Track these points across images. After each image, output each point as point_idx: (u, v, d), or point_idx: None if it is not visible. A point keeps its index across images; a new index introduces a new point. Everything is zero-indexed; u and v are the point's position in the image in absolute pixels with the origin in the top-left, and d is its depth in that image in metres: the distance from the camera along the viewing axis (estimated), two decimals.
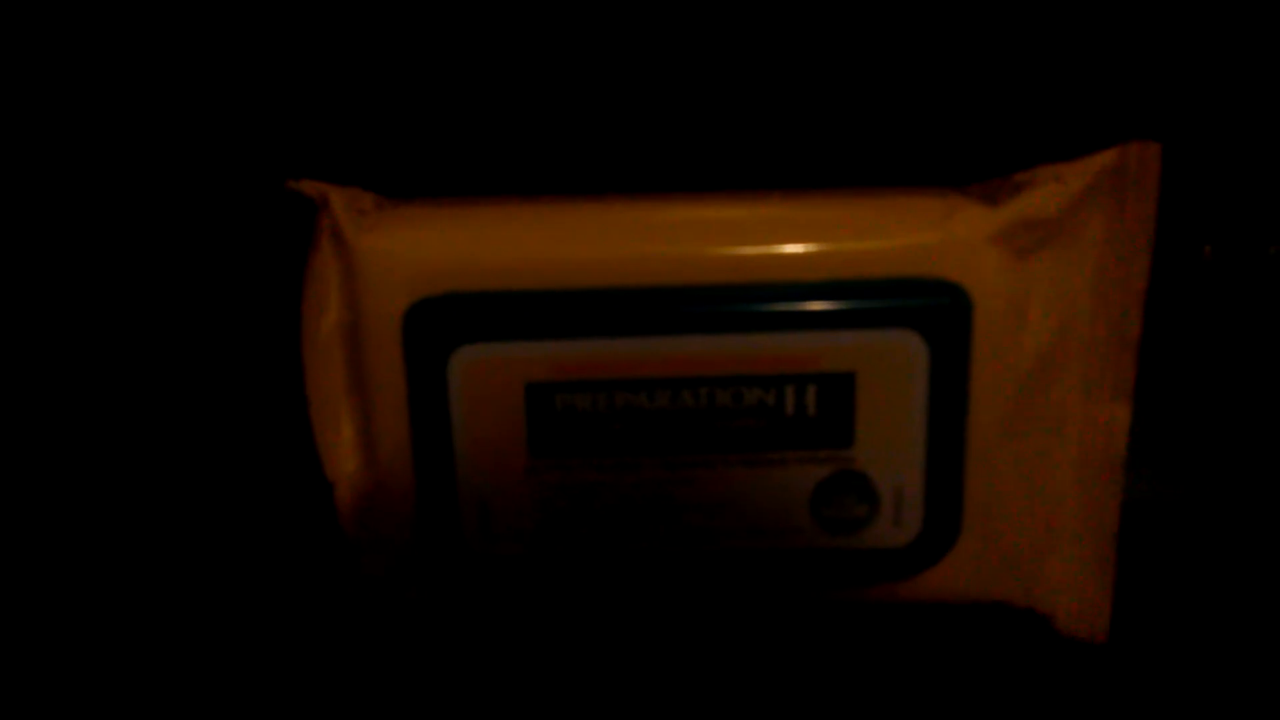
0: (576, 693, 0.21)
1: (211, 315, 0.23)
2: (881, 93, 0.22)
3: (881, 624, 0.22)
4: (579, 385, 0.20)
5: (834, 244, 0.20)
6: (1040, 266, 0.20)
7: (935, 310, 0.20)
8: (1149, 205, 0.20)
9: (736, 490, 0.20)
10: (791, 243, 0.20)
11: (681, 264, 0.20)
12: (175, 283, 0.23)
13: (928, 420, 0.20)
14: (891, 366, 0.20)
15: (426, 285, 0.20)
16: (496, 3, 0.22)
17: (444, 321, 0.20)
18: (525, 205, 0.20)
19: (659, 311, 0.20)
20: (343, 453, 0.21)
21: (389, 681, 0.21)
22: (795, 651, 0.22)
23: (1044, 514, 0.21)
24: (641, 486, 0.20)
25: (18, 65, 0.22)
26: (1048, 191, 0.20)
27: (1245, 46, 0.22)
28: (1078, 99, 0.22)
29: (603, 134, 0.22)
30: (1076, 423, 0.21)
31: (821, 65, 0.22)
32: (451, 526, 0.21)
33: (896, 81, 0.22)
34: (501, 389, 0.20)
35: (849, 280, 0.20)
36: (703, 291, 0.20)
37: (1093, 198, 0.20)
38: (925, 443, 0.20)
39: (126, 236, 0.23)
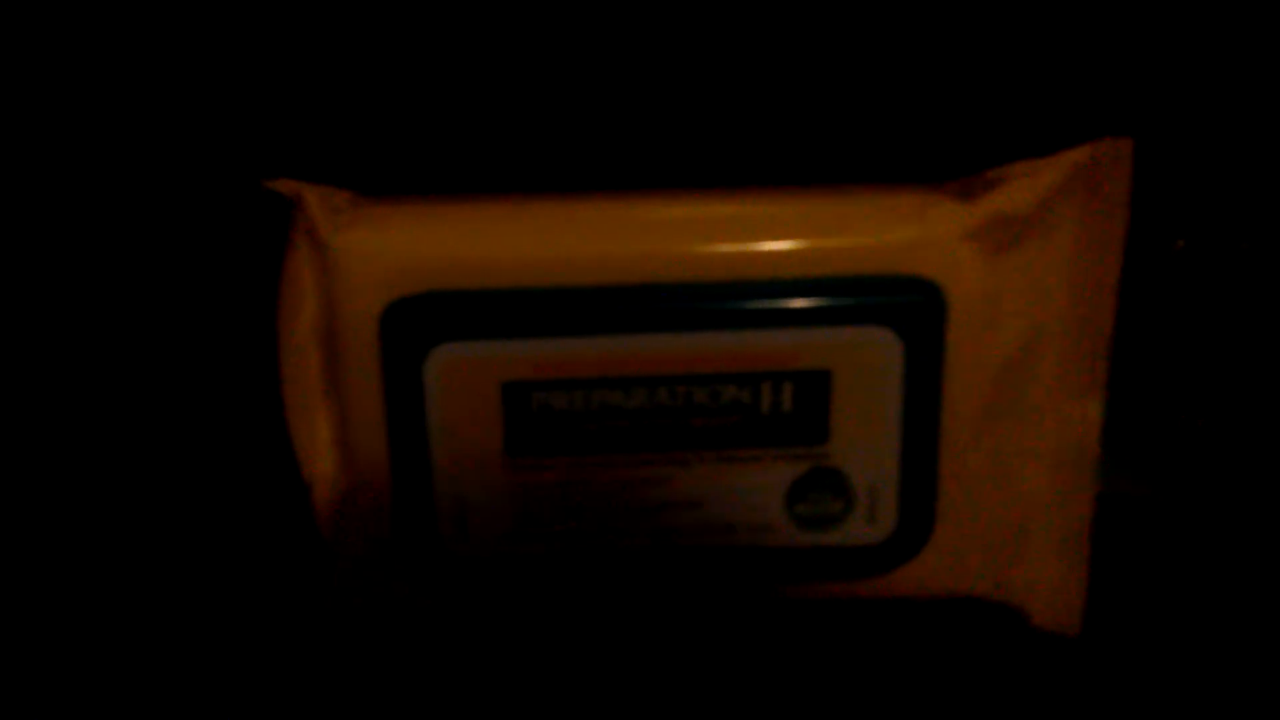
0: (554, 692, 0.21)
1: (186, 315, 0.22)
2: (855, 91, 0.22)
3: (856, 620, 0.22)
4: (555, 384, 0.20)
5: (809, 241, 0.20)
6: (1014, 263, 0.20)
7: (910, 307, 0.20)
8: (1122, 201, 0.20)
9: (712, 488, 0.21)
10: (767, 240, 0.20)
11: (657, 262, 0.20)
12: (148, 283, 0.22)
13: (903, 417, 0.20)
14: (867, 363, 0.20)
15: (403, 284, 0.20)
16: (472, 1, 0.22)
17: (420, 321, 0.20)
18: (502, 203, 0.20)
19: (635, 309, 0.20)
20: (319, 453, 0.21)
21: (366, 682, 0.21)
22: (770, 648, 0.22)
23: (1018, 509, 0.21)
24: (618, 485, 0.21)
25: None
26: (1021, 188, 0.20)
27: (1217, 42, 0.22)
28: (1050, 96, 0.22)
29: (578, 131, 0.22)
30: (1050, 418, 0.21)
31: (795, 63, 0.22)
32: (428, 526, 0.21)
33: (870, 79, 0.22)
34: (478, 388, 0.20)
35: (824, 277, 0.20)
36: (678, 289, 0.20)
37: (1066, 194, 0.20)
38: (900, 439, 0.20)
39: (98, 237, 0.22)
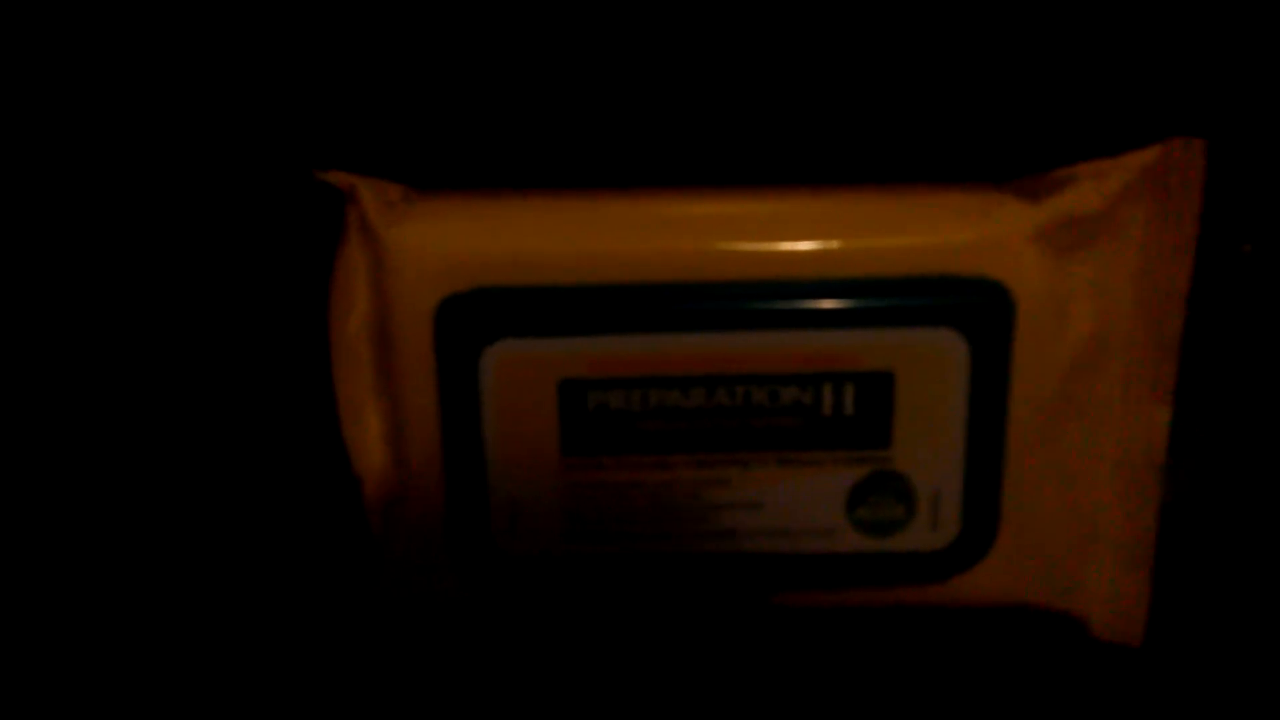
0: (605, 693, 0.21)
1: (237, 309, 0.22)
2: (922, 87, 0.22)
3: (916, 627, 0.22)
4: (612, 382, 0.20)
5: (874, 240, 0.19)
6: (1081, 265, 0.20)
7: (976, 308, 0.19)
8: (1192, 203, 0.20)
9: (771, 490, 0.20)
10: (831, 238, 0.19)
11: (718, 259, 0.19)
12: (200, 277, 0.22)
13: (967, 420, 0.20)
14: (931, 366, 0.20)
15: (458, 280, 0.20)
16: None
17: (476, 317, 0.19)
18: (559, 198, 0.20)
19: (695, 307, 0.19)
20: (371, 449, 0.21)
21: (416, 680, 0.21)
22: (828, 654, 0.21)
23: (1081, 516, 0.21)
24: (674, 486, 0.20)
25: (37, 54, 0.22)
26: (1090, 188, 0.20)
27: None
28: (1120, 94, 0.21)
29: (638, 126, 0.22)
30: (1115, 424, 0.21)
31: (862, 59, 0.22)
32: (481, 524, 0.20)
33: (936, 76, 0.22)
34: (534, 386, 0.20)
35: (888, 277, 0.19)
36: (739, 288, 0.19)
37: (1135, 195, 0.20)
38: (964, 444, 0.20)
39: (150, 230, 0.22)
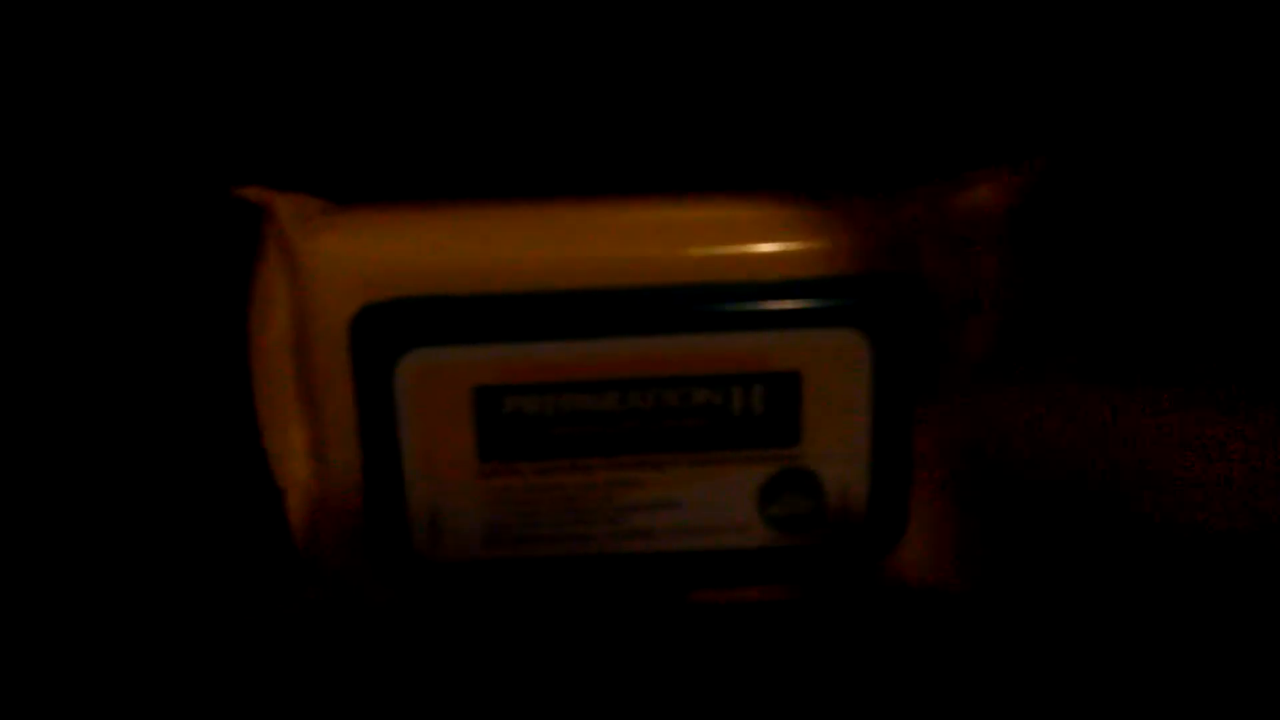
0: (529, 696, 0.21)
1: (156, 323, 0.22)
2: (823, 96, 0.22)
3: (830, 619, 0.22)
4: (527, 388, 0.20)
5: (778, 244, 0.20)
6: (982, 264, 0.21)
7: (878, 309, 0.20)
8: (1084, 206, 0.21)
9: (685, 490, 0.21)
10: (736, 243, 0.20)
11: (627, 265, 0.20)
12: (119, 292, 0.22)
13: (873, 417, 0.20)
14: (837, 365, 0.20)
15: (373, 290, 0.20)
16: (442, 5, 0.22)
17: (391, 326, 0.20)
18: (472, 209, 0.20)
19: (606, 313, 0.20)
20: (293, 460, 0.21)
21: (339, 689, 0.21)
22: (742, 649, 0.22)
23: (986, 502, 0.22)
24: (590, 488, 0.21)
25: None
26: (988, 191, 0.21)
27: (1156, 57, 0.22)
28: (1020, 99, 0.22)
29: (547, 137, 0.22)
30: (1012, 412, 0.21)
31: (763, 68, 0.22)
32: (401, 532, 0.21)
33: (837, 84, 0.22)
34: (450, 393, 0.20)
35: (794, 279, 0.20)
36: (649, 293, 0.20)
37: (1030, 197, 0.21)
38: (870, 440, 0.20)
39: (67, 246, 0.22)
